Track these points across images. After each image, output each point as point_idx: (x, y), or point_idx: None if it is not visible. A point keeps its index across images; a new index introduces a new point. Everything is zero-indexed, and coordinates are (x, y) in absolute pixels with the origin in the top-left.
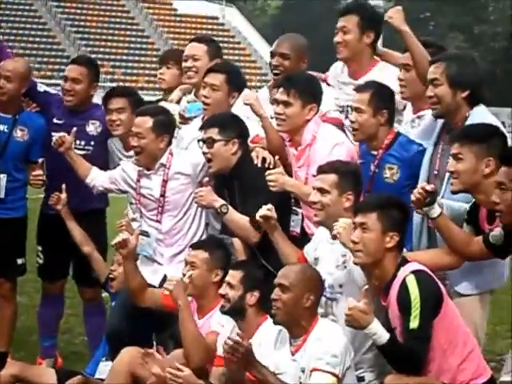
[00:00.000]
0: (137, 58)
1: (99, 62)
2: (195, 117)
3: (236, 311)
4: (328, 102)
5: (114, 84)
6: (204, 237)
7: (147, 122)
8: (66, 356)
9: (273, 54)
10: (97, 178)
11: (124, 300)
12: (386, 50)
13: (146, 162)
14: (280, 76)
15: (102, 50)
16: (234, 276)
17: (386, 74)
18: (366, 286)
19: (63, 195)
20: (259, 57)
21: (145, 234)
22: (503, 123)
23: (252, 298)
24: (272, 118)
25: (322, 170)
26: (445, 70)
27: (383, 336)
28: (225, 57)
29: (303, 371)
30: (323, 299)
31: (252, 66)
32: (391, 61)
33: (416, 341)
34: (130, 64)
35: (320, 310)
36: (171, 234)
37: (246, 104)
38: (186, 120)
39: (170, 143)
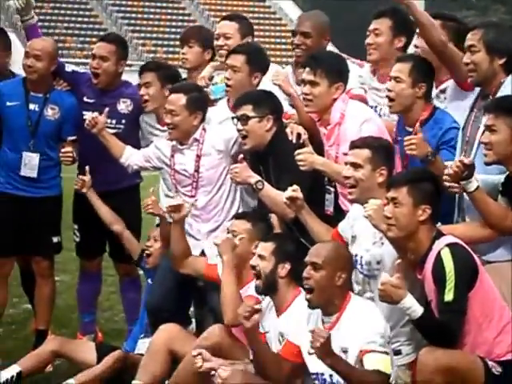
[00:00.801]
0: (178, 37)
1: (142, 41)
2: (220, 98)
3: (270, 286)
4: (352, 80)
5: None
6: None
7: (180, 99)
8: (107, 332)
9: (294, 33)
10: (131, 157)
11: (163, 275)
12: None
13: (180, 137)
14: (302, 55)
15: (143, 28)
16: (266, 248)
17: None
18: (399, 261)
19: (87, 177)
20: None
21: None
22: None
23: (283, 269)
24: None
25: (355, 145)
26: (482, 37)
27: (417, 310)
28: (266, 33)
29: (345, 351)
30: (360, 276)
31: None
32: None
33: (451, 313)
34: (171, 42)
35: (358, 288)
36: (207, 209)
37: (275, 84)
38: (211, 102)
39: (203, 119)
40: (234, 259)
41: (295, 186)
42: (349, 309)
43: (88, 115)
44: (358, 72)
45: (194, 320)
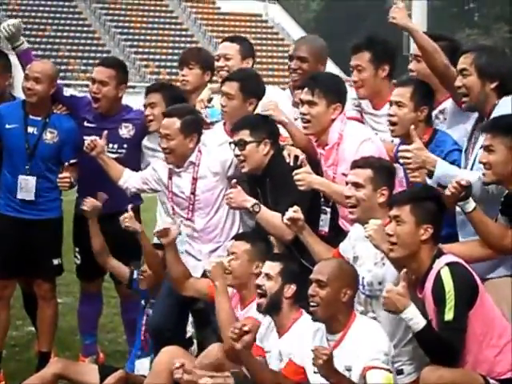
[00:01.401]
0: None
1: (145, 62)
2: (217, 121)
3: (273, 306)
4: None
5: None
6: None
7: (175, 123)
8: (110, 354)
9: (291, 58)
10: (129, 179)
11: (165, 295)
12: None
13: (176, 161)
14: (298, 79)
15: (146, 50)
16: (273, 267)
17: None
18: (405, 270)
19: (99, 203)
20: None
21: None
22: None
23: (289, 290)
24: (296, 119)
25: (356, 164)
26: (474, 61)
27: (420, 322)
28: (269, 54)
29: (348, 369)
30: (362, 297)
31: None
32: None
33: (451, 332)
34: (175, 64)
35: (360, 308)
36: (206, 231)
37: (265, 114)
38: (207, 125)
39: (198, 141)
40: (226, 284)
41: (296, 207)
42: (353, 327)
43: (87, 139)
44: (353, 95)
45: (195, 342)
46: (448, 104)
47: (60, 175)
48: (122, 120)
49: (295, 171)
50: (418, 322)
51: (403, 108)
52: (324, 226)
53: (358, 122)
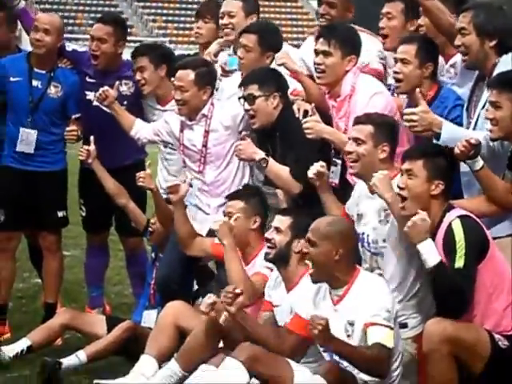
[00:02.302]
0: (189, 13)
1: (152, 17)
2: (236, 70)
3: (281, 257)
4: (371, 54)
5: (167, 39)
6: None
7: (189, 74)
8: (117, 307)
9: (320, 3)
10: (141, 130)
11: (172, 249)
12: None
13: (189, 112)
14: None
15: (154, 4)
16: (283, 221)
17: None
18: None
19: (92, 147)
20: (312, 9)
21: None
22: None
23: (299, 245)
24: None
25: (358, 120)
26: (472, 19)
27: (435, 257)
28: (277, 9)
29: (351, 324)
30: (368, 254)
31: (304, 18)
32: None
33: (461, 278)
34: (182, 18)
35: (365, 265)
36: (216, 184)
37: (279, 65)
38: (227, 73)
39: (212, 94)
40: (234, 241)
41: (322, 162)
42: (357, 283)
43: (100, 89)
44: (379, 47)
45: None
46: (458, 58)
47: (67, 128)
48: (123, 77)
49: (304, 119)
50: (432, 256)
51: (408, 65)
52: (334, 177)
53: (380, 75)
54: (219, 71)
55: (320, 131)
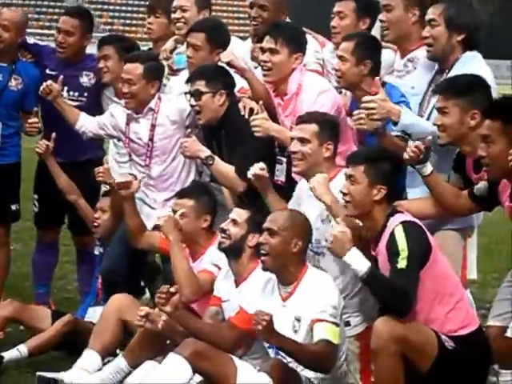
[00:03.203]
0: (136, 9)
1: (98, 13)
2: (183, 68)
3: (234, 250)
4: (308, 55)
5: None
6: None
7: (138, 68)
8: (60, 302)
9: (252, 5)
10: (86, 123)
11: (118, 242)
12: None
13: (136, 106)
14: (258, 27)
15: (100, 0)
16: (241, 214)
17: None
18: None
19: (51, 144)
20: None
21: (132, 175)
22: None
23: (253, 239)
24: (256, 67)
25: (302, 119)
26: (443, 12)
27: (364, 264)
28: (224, 6)
29: (298, 320)
30: (310, 253)
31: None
32: None
33: (404, 278)
34: (128, 14)
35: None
36: (161, 179)
37: (225, 62)
38: (174, 71)
39: (159, 88)
40: (179, 236)
41: (262, 164)
42: (305, 279)
43: (44, 84)
44: (316, 48)
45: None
46: (418, 53)
47: (29, 120)
48: (84, 68)
49: (252, 117)
50: (362, 264)
51: (345, 62)
52: (280, 175)
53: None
54: (166, 70)
55: (268, 129)
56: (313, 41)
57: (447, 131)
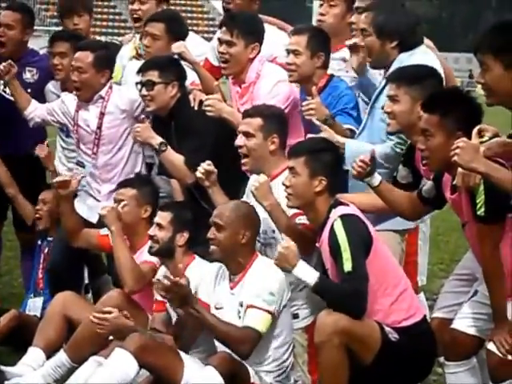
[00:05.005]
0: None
1: (45, 6)
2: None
3: (164, 252)
4: (278, 48)
5: (60, 28)
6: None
7: (88, 56)
8: (5, 297)
9: None
10: (35, 110)
11: (63, 237)
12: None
13: (87, 96)
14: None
15: None
16: (164, 217)
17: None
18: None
19: None
20: (206, 1)
21: (80, 164)
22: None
23: (182, 238)
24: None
25: (247, 113)
26: (372, 20)
27: (312, 277)
28: (171, 1)
29: (241, 305)
30: (258, 244)
31: (199, 11)
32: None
33: (354, 281)
34: None
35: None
36: (106, 169)
37: (176, 53)
38: (139, 56)
39: (110, 78)
40: (121, 227)
41: (209, 161)
42: (253, 267)
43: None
44: (285, 41)
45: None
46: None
47: None
48: (27, 64)
49: (206, 97)
50: (309, 278)
51: (300, 56)
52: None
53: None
54: (132, 53)
55: (220, 110)
56: (282, 33)
57: (397, 119)
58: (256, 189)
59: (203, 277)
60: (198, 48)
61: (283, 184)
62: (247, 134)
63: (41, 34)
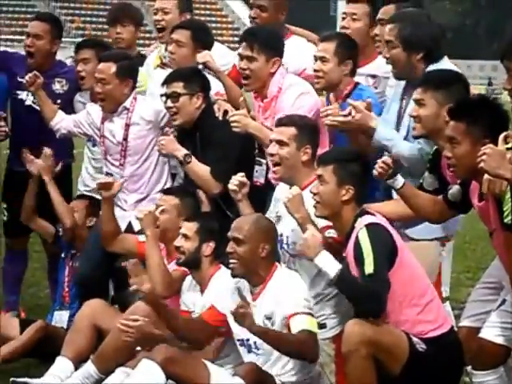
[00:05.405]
0: (107, 14)
1: (70, 17)
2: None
3: (191, 262)
4: (307, 60)
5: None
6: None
7: (111, 67)
8: (31, 308)
9: (251, 6)
10: (62, 121)
11: (93, 248)
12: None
13: (110, 106)
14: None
15: (72, 5)
16: (190, 228)
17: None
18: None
19: (40, 161)
20: (231, 11)
21: (109, 175)
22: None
23: (208, 248)
24: None
25: (281, 122)
26: (399, 33)
27: (334, 266)
28: (195, 11)
29: (268, 318)
30: (286, 256)
31: (223, 21)
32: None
33: (375, 283)
34: (100, 19)
35: (284, 266)
36: (132, 180)
37: (201, 63)
38: (164, 65)
39: (134, 87)
40: (157, 232)
41: (242, 174)
42: (274, 278)
43: (30, 74)
44: (313, 52)
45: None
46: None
47: None
48: (56, 75)
49: (232, 113)
50: (332, 266)
51: (327, 63)
52: (259, 176)
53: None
54: (157, 62)
55: (246, 125)
56: (309, 45)
57: (422, 123)
58: (289, 200)
59: (227, 287)
60: (224, 58)
61: (311, 191)
62: (280, 143)
63: (66, 45)
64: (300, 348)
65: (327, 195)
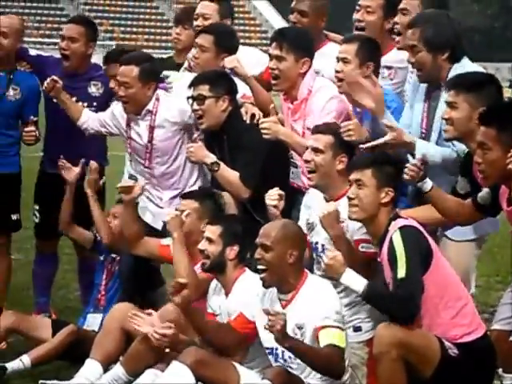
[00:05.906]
0: (136, 17)
1: (98, 21)
2: None
3: (216, 266)
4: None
5: (114, 42)
6: (199, 181)
7: (133, 70)
8: (61, 310)
9: (292, 11)
10: (88, 120)
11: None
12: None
13: (134, 109)
14: None
15: (101, 8)
16: (214, 231)
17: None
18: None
19: (76, 170)
20: (259, 14)
21: (133, 177)
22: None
23: (232, 252)
24: None
25: (318, 130)
26: (421, 35)
27: (359, 285)
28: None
29: (300, 327)
30: (322, 263)
31: (252, 24)
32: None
33: (405, 288)
34: (129, 22)
35: (318, 273)
36: (164, 178)
37: (229, 68)
38: (190, 68)
39: (156, 89)
40: (183, 235)
41: (277, 188)
42: (305, 287)
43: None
44: None
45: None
46: (395, 62)
47: (26, 129)
48: (91, 78)
49: (262, 120)
50: (357, 285)
51: (349, 64)
52: (295, 178)
53: None
54: (186, 64)
55: (277, 132)
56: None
57: (455, 125)
58: (324, 217)
59: (251, 291)
60: (259, 63)
61: (347, 197)
62: (316, 150)
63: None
64: (327, 363)
65: (367, 198)
